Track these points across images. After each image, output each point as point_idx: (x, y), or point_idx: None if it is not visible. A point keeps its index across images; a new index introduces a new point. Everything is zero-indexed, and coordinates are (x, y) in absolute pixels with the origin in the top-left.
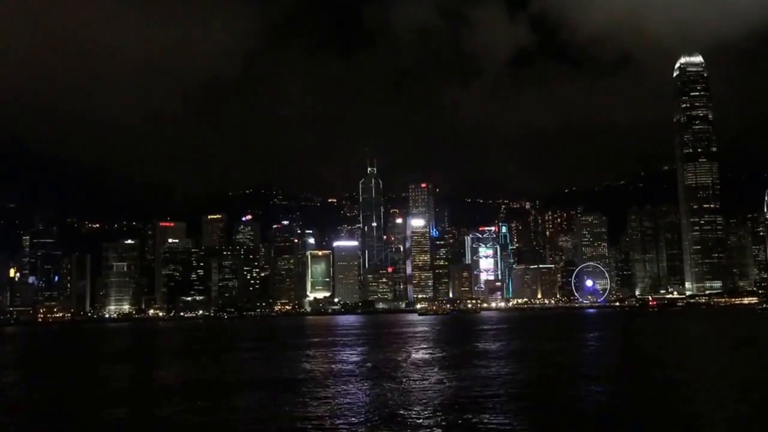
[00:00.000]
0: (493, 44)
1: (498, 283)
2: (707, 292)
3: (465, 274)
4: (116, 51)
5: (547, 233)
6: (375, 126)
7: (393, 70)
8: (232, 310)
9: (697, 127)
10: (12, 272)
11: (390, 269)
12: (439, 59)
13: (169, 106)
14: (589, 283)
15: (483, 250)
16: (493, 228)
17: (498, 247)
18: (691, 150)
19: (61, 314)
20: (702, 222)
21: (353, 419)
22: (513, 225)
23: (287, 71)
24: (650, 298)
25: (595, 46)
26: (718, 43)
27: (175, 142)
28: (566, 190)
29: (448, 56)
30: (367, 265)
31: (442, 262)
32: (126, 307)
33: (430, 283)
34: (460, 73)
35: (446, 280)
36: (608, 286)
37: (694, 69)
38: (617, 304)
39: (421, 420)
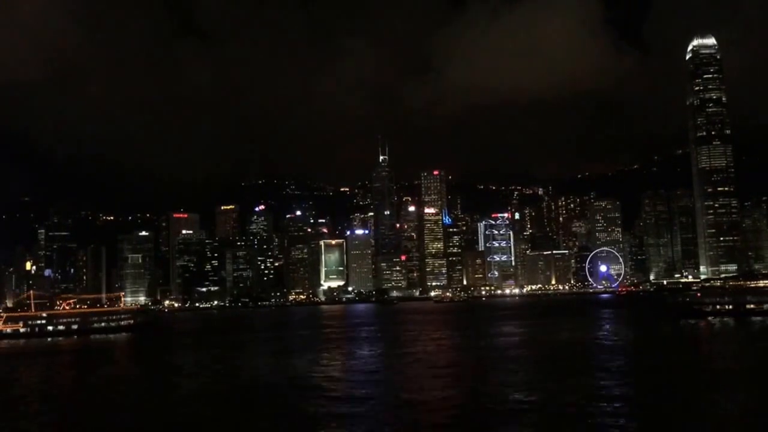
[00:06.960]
0: None
1: (511, 270)
2: (722, 275)
3: (478, 261)
4: None
5: (561, 219)
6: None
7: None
8: (247, 300)
9: (710, 109)
10: (28, 265)
11: (403, 257)
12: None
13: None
14: (603, 268)
15: (496, 237)
16: (506, 214)
17: (511, 233)
18: (704, 133)
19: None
20: (716, 205)
21: None
22: (526, 211)
23: None
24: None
25: None
26: None
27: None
28: (579, 176)
29: None
30: (380, 254)
31: (455, 250)
32: (142, 299)
33: (444, 270)
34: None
35: (460, 267)
36: (622, 272)
37: (707, 51)
38: (631, 288)
39: None
